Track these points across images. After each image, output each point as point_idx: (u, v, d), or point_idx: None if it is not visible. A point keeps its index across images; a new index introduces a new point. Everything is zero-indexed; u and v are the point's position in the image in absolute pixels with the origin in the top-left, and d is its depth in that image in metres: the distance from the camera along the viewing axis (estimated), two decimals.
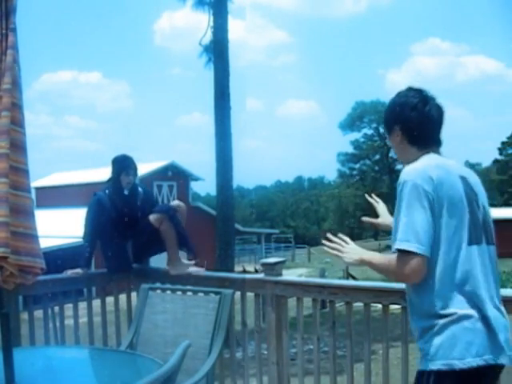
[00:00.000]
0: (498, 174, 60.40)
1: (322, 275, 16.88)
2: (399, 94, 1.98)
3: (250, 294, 3.40)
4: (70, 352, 2.91)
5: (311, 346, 3.16)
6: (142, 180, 23.01)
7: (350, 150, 57.99)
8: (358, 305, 2.99)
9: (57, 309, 3.52)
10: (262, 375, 3.35)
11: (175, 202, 3.87)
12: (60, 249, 17.22)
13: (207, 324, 2.79)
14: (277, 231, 41.37)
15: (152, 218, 3.63)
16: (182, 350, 2.00)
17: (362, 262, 1.96)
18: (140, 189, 3.86)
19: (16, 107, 1.98)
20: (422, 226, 1.71)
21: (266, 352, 3.31)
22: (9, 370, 1.97)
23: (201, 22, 13.11)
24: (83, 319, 3.72)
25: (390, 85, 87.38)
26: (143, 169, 24.15)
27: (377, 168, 58.55)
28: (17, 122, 1.98)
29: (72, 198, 24.02)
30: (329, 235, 2.02)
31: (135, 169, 3.77)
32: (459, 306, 1.73)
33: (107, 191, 3.72)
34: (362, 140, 58.14)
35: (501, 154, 60.35)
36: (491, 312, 1.75)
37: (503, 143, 59.63)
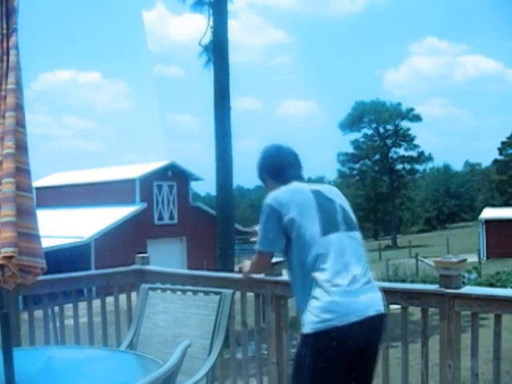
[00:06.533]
0: (498, 174, 60.37)
1: None
2: (262, 152, 2.64)
3: (250, 294, 3.40)
4: (70, 352, 2.91)
5: None
6: (142, 180, 23.04)
7: (350, 150, 58.00)
8: None
9: (57, 309, 3.52)
10: (262, 375, 3.35)
11: None
12: (60, 249, 17.24)
13: (207, 324, 2.79)
14: None
15: None
16: (182, 350, 2.00)
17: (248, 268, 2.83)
18: None
19: (18, 107, 1.99)
20: (271, 234, 2.36)
21: (266, 352, 3.31)
22: (9, 370, 1.97)
23: (200, 22, 13.13)
24: (83, 319, 3.71)
25: (389, 85, 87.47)
26: (143, 169, 24.14)
27: (377, 168, 58.52)
28: (19, 123, 1.99)
29: (72, 198, 24.04)
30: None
31: None
32: (322, 284, 2.20)
33: None
34: (362, 140, 58.12)
35: (501, 154, 60.29)
36: (348, 280, 2.21)
37: (503, 143, 59.57)
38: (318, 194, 2.40)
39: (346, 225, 2.36)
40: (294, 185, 2.46)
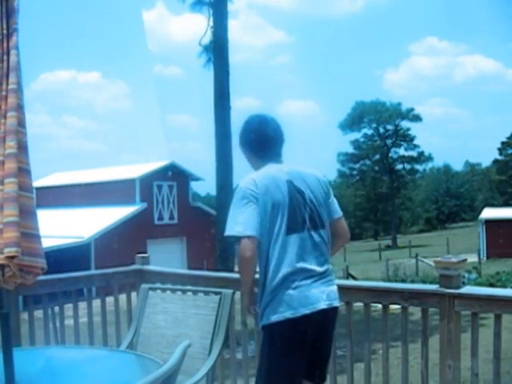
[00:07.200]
0: (498, 174, 60.40)
1: None
2: (246, 122, 2.58)
3: None
4: (70, 352, 2.91)
5: None
6: (142, 180, 23.04)
7: (350, 150, 57.99)
8: (358, 305, 2.99)
9: (57, 309, 3.52)
10: None
11: None
12: (60, 249, 17.23)
13: (207, 324, 2.79)
14: None
15: None
16: (182, 350, 2.00)
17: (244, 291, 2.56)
18: None
19: (19, 107, 1.99)
20: (246, 216, 2.32)
21: None
22: (9, 370, 1.97)
23: (200, 22, 13.13)
24: (83, 319, 3.72)
25: (388, 85, 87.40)
26: (143, 169, 24.13)
27: (377, 168, 58.49)
28: (20, 123, 1.99)
29: (72, 198, 24.03)
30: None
31: None
32: (280, 280, 2.32)
33: None
34: (362, 140, 58.10)
35: (501, 154, 60.32)
36: (304, 275, 2.34)
37: (503, 143, 59.61)
38: (291, 185, 2.41)
39: (311, 223, 2.42)
40: (273, 170, 2.45)
